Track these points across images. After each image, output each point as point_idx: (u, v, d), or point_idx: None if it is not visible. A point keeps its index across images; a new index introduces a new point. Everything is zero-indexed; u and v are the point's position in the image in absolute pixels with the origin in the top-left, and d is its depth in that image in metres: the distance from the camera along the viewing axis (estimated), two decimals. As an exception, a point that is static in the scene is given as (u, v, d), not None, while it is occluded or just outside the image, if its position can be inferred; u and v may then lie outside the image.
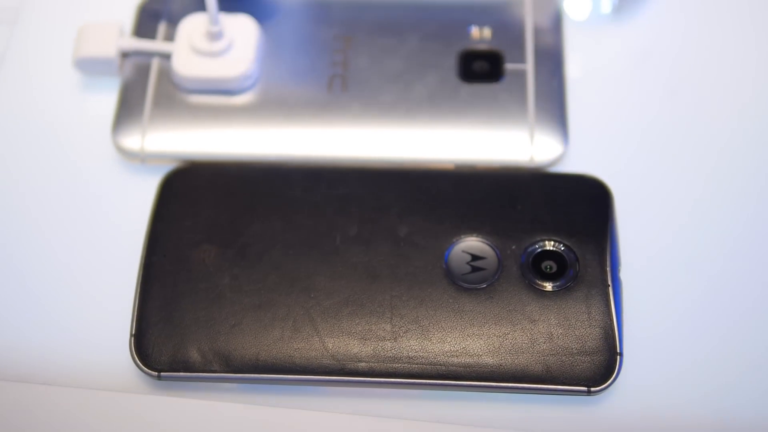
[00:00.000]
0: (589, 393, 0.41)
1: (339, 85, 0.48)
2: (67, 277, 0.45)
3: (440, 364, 0.41)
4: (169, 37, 0.50)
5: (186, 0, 0.51)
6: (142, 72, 0.49)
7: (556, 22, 0.50)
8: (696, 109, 0.49)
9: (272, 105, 0.48)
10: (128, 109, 0.48)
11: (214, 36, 0.47)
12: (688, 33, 0.51)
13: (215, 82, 0.48)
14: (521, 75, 0.48)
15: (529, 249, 0.44)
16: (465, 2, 0.51)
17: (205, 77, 0.48)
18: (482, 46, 0.49)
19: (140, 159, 0.48)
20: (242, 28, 0.49)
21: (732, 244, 0.45)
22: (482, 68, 0.48)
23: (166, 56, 0.49)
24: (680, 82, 0.49)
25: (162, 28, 0.50)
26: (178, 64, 0.48)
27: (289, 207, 0.45)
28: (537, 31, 0.49)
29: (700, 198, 0.47)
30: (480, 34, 0.49)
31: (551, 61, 0.49)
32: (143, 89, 0.49)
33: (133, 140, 0.48)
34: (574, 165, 0.47)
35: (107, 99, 0.50)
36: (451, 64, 0.49)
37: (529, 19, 0.50)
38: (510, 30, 0.50)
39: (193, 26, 0.48)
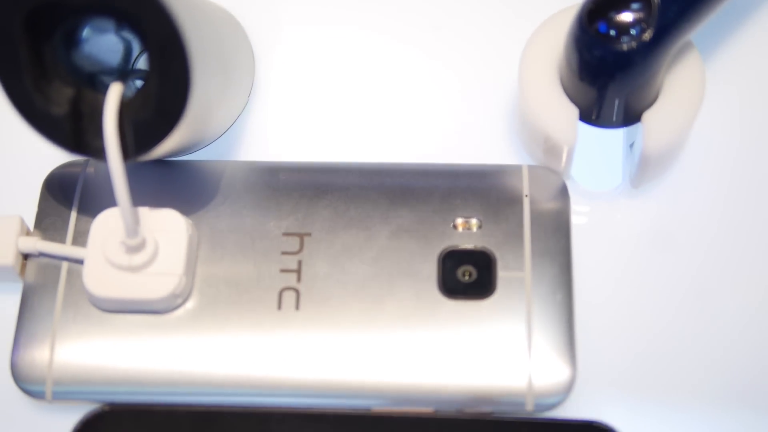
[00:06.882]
0: None
1: (291, 301, 0.39)
2: None
3: None
4: (84, 225, 0.40)
5: (106, 169, 0.42)
6: (50, 277, 0.40)
7: (562, 206, 0.40)
8: (732, 317, 0.40)
9: (209, 328, 0.39)
10: (30, 330, 0.39)
11: (133, 248, 0.38)
12: (720, 212, 0.42)
13: (137, 304, 0.38)
14: (517, 286, 0.39)
15: None
16: (446, 177, 0.41)
17: (124, 298, 0.38)
18: (468, 245, 0.40)
19: (45, 399, 0.38)
20: (169, 229, 0.39)
21: None
22: (469, 277, 0.39)
23: (78, 261, 0.40)
24: (713, 280, 0.40)
25: (74, 215, 0.41)
26: (91, 281, 0.38)
27: (228, 477, 0.36)
28: (536, 223, 0.40)
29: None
30: (466, 226, 0.40)
31: (555, 264, 0.39)
32: (50, 303, 0.39)
33: (35, 373, 0.38)
34: (582, 402, 0.38)
35: (8, 306, 0.40)
36: (430, 271, 0.39)
37: (527, 206, 0.40)
38: (503, 219, 0.40)
39: (108, 228, 0.39)
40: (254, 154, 0.43)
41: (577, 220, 0.41)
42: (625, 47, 0.37)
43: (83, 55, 0.38)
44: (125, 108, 0.37)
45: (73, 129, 0.37)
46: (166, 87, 0.36)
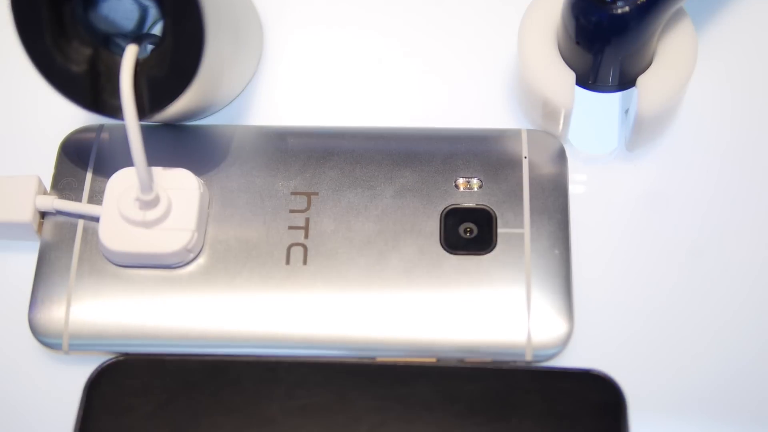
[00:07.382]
0: None
1: (299, 256, 0.40)
2: None
3: None
4: (99, 186, 0.42)
5: (119, 134, 0.43)
6: (66, 234, 0.41)
7: (560, 167, 0.42)
8: (725, 274, 0.41)
9: (220, 282, 0.40)
10: (47, 285, 0.40)
11: (147, 204, 0.39)
12: (713, 175, 0.43)
13: (151, 258, 0.40)
14: (517, 241, 0.40)
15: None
16: (448, 141, 0.43)
17: (138, 252, 0.40)
18: (470, 203, 0.41)
19: (62, 350, 0.40)
20: (181, 187, 0.40)
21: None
22: (470, 233, 0.41)
23: (94, 219, 0.41)
24: (705, 239, 0.42)
25: (89, 176, 0.42)
26: (106, 236, 0.40)
27: (240, 421, 0.38)
28: (535, 183, 0.41)
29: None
30: (467, 186, 0.42)
31: (553, 222, 0.41)
32: (66, 259, 0.41)
33: (52, 326, 0.40)
34: (579, 353, 0.40)
35: (25, 263, 0.42)
36: (433, 228, 0.41)
37: (526, 167, 0.42)
38: (503, 180, 0.42)
39: (123, 186, 0.40)
40: (263, 119, 0.45)
41: (574, 183, 0.43)
42: (619, 11, 0.39)
43: (102, 16, 0.40)
44: (141, 67, 0.38)
45: (91, 87, 0.39)
46: (180, 45, 0.38)
